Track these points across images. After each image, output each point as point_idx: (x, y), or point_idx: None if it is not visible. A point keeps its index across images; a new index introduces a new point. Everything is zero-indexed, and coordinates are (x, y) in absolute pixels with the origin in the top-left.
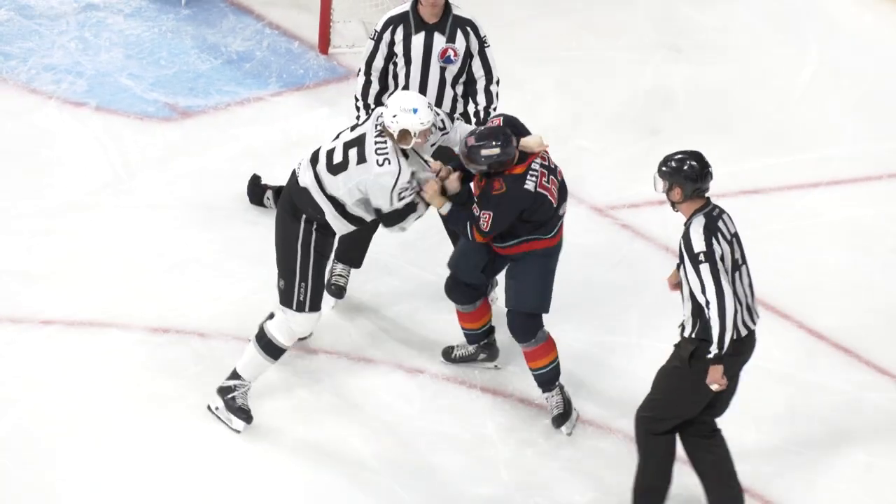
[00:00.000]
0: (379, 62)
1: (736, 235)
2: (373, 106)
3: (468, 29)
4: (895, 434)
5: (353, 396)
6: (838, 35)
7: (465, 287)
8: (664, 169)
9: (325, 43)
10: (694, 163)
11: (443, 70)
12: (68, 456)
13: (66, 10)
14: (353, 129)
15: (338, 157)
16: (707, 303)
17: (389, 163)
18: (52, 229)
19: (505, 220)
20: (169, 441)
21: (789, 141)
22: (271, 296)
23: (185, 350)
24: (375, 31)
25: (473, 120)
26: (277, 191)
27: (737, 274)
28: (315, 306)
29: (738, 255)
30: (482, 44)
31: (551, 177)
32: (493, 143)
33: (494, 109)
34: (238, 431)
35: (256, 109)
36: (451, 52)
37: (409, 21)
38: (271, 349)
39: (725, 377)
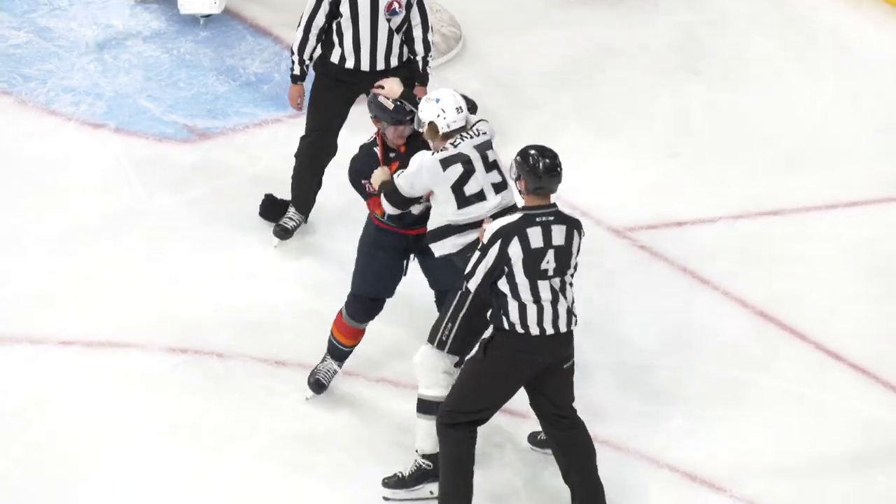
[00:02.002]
0: (320, 20)
1: (559, 248)
2: (308, 63)
3: None
4: None
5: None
6: (855, 59)
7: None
8: (517, 158)
9: None
10: (543, 160)
11: (388, 22)
12: (87, 476)
13: (86, 32)
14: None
15: (473, 188)
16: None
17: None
18: (71, 251)
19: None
20: (188, 462)
21: (808, 163)
22: (289, 317)
23: (203, 371)
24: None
25: (420, 65)
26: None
27: (547, 283)
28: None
29: (548, 267)
30: None
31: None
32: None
33: (431, 58)
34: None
35: (274, 131)
36: (395, 5)
37: None
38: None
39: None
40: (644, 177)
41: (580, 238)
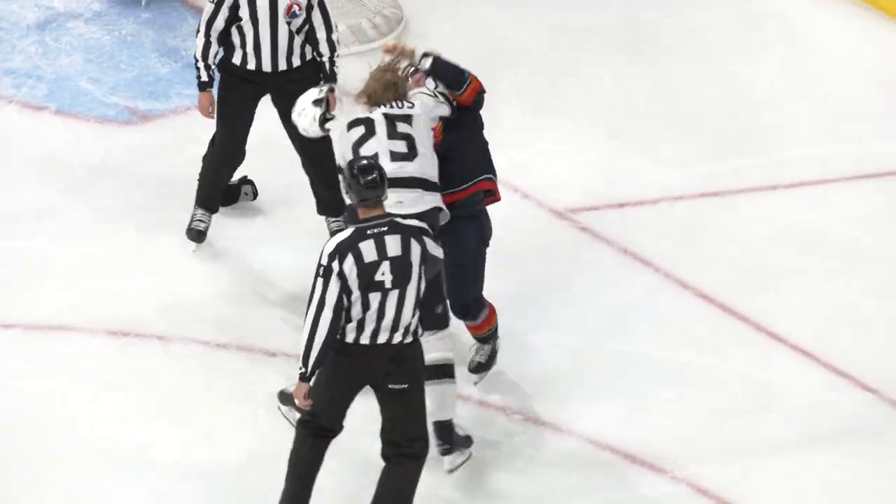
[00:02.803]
0: (220, 23)
1: (395, 259)
2: (213, 66)
3: None
4: (856, 436)
5: None
6: (800, 39)
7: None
8: (342, 170)
9: None
10: (362, 174)
11: (289, 24)
12: (31, 462)
13: (27, 14)
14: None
15: (399, 147)
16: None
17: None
18: (12, 234)
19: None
20: (131, 443)
21: (750, 144)
22: (232, 299)
23: (146, 351)
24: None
25: (327, 66)
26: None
27: (378, 294)
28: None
29: (384, 279)
30: None
31: None
32: None
33: (338, 56)
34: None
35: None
36: (295, 7)
37: None
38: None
39: (307, 399)
40: (586, 157)
41: (423, 245)
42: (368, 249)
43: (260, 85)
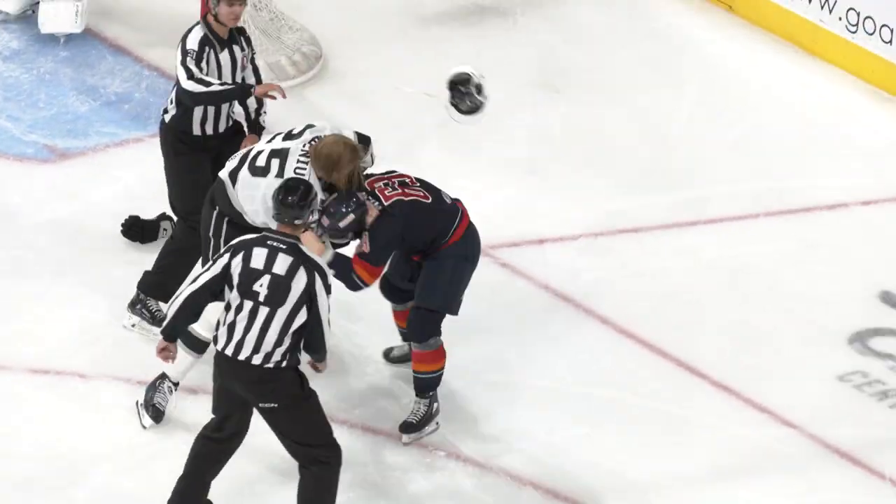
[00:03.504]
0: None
1: (277, 277)
2: None
3: (243, 38)
4: (777, 471)
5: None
6: (715, 74)
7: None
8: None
9: None
10: (282, 191)
11: (243, 80)
12: None
13: None
14: (285, 137)
15: (261, 161)
16: None
17: None
18: None
19: (388, 249)
20: (49, 484)
21: (667, 179)
22: (154, 337)
23: (66, 391)
24: (192, 49)
25: (254, 118)
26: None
27: (251, 304)
28: None
29: (261, 291)
30: (252, 51)
31: (401, 184)
32: (345, 209)
33: (265, 112)
34: (144, 427)
35: (136, 150)
36: (246, 59)
37: (211, 41)
38: (194, 343)
39: (170, 354)
40: (505, 194)
41: (311, 281)
42: (259, 256)
43: (208, 150)
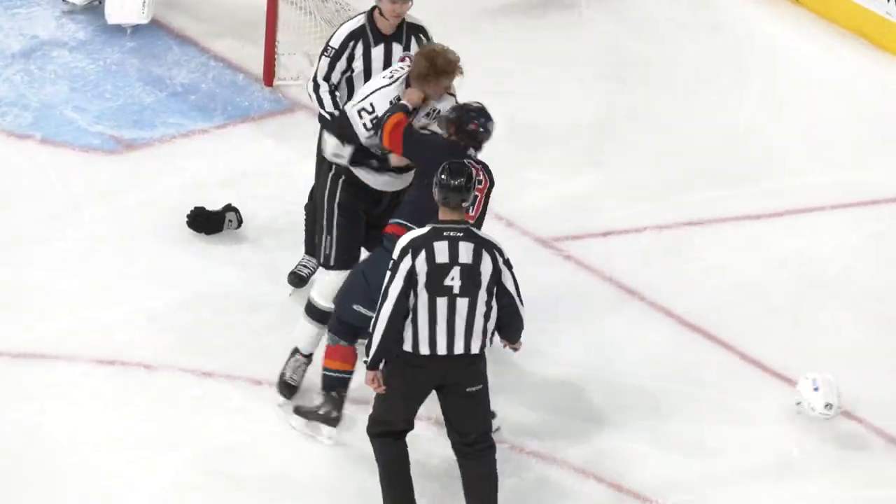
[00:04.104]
0: (336, 76)
1: (466, 266)
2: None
3: (421, 35)
4: (843, 465)
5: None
6: (781, 67)
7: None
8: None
9: (269, 75)
10: (449, 175)
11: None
12: (19, 492)
13: (11, 42)
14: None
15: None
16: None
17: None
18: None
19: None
20: (118, 475)
21: (733, 172)
22: (220, 328)
23: (131, 382)
24: (331, 46)
25: None
26: (228, 207)
27: (445, 300)
28: (340, 264)
29: (454, 284)
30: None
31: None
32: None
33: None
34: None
35: (202, 141)
36: (408, 59)
37: (367, 35)
38: (314, 312)
39: (380, 383)
40: (570, 186)
41: (494, 261)
42: (441, 250)
43: None
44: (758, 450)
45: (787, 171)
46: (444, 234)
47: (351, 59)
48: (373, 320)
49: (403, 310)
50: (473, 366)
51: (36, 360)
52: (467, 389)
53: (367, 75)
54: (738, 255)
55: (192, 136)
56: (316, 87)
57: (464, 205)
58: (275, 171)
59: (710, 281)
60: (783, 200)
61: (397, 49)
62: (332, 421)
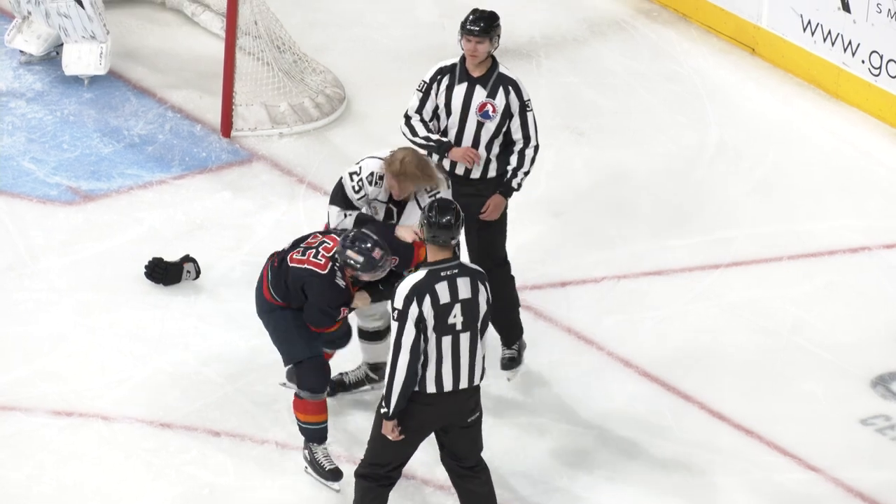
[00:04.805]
0: (428, 113)
1: (466, 301)
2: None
3: (510, 88)
4: None
5: None
6: (738, 116)
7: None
8: (424, 207)
9: (227, 126)
10: (437, 213)
11: (480, 126)
12: None
13: None
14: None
15: None
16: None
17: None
18: None
19: None
20: None
21: (690, 222)
22: (175, 378)
23: (89, 433)
24: (423, 81)
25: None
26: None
27: (449, 338)
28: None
29: (456, 321)
30: (524, 106)
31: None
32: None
33: (526, 174)
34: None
35: (160, 192)
36: (489, 107)
37: (455, 72)
38: (370, 335)
39: (397, 432)
40: (528, 236)
41: (486, 289)
42: (443, 291)
43: None
44: (715, 499)
45: (742, 221)
46: (442, 274)
47: (436, 93)
48: (387, 371)
49: (419, 357)
50: (475, 396)
51: None
52: (468, 420)
53: (448, 112)
54: (694, 304)
55: (149, 186)
56: (406, 120)
57: (452, 242)
58: (232, 222)
59: (668, 331)
60: (739, 251)
61: (480, 92)
62: (338, 473)
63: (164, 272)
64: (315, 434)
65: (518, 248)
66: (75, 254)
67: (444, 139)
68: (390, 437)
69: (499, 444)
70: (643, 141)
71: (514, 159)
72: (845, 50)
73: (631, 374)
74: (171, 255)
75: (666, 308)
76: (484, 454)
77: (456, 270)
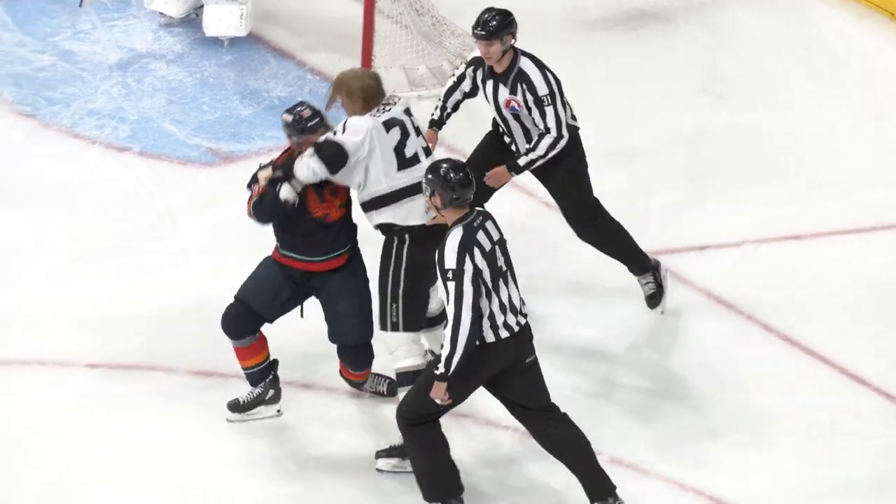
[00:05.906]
0: (457, 95)
1: (500, 242)
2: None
3: (524, 85)
4: None
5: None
6: (878, 81)
7: (246, 319)
8: (428, 176)
9: None
10: (453, 173)
11: (515, 118)
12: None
13: (109, 56)
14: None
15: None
16: (447, 319)
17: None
18: (97, 273)
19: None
20: (215, 485)
21: (829, 186)
22: (309, 338)
23: (229, 393)
24: (463, 63)
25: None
26: None
27: (500, 281)
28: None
29: (501, 263)
30: (539, 101)
31: None
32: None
33: (537, 157)
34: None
35: None
36: (514, 104)
37: (484, 66)
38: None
39: (447, 396)
40: (666, 200)
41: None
42: (483, 240)
43: None
44: (850, 464)
45: (883, 185)
46: (475, 224)
47: (472, 81)
48: (449, 329)
49: (480, 314)
50: (528, 335)
51: (134, 370)
52: (526, 361)
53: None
54: (833, 268)
55: None
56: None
57: (471, 198)
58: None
59: (807, 295)
60: (878, 215)
61: (503, 90)
62: (275, 398)
63: None
64: (249, 377)
65: (655, 211)
66: (214, 215)
67: (443, 115)
68: (438, 402)
69: (634, 409)
70: (782, 105)
71: (532, 142)
72: None
73: (770, 338)
74: None
75: (806, 272)
76: (622, 419)
77: (480, 218)
